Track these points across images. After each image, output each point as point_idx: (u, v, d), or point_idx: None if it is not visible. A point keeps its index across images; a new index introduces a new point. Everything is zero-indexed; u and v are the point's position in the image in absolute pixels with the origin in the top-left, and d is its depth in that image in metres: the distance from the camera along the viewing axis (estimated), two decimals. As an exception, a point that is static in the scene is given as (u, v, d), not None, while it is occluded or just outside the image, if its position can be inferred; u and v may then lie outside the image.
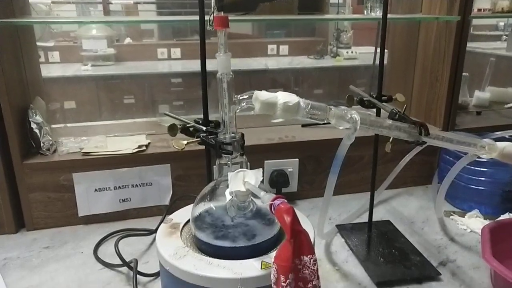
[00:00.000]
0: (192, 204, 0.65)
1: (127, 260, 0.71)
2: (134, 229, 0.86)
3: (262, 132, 1.04)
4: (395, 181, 0.96)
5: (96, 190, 0.88)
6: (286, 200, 0.40)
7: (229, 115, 0.54)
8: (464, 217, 0.90)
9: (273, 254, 0.52)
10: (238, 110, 0.54)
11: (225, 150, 0.55)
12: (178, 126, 0.63)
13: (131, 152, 0.88)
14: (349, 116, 0.55)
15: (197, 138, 0.59)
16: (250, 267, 0.49)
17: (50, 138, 0.88)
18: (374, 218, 0.87)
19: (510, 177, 0.89)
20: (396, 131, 0.60)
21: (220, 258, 0.51)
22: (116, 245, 0.73)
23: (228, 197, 0.54)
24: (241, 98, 0.53)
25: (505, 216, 0.86)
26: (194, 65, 2.81)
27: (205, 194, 0.58)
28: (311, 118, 0.55)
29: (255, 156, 0.94)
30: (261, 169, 0.45)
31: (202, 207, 0.57)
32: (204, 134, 0.59)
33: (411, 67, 1.15)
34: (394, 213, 0.94)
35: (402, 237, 0.83)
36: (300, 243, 0.37)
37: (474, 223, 0.87)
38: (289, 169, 0.97)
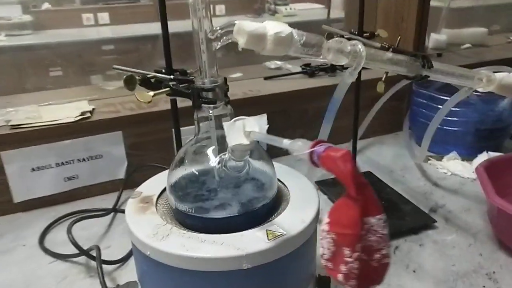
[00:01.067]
0: (161, 173, 0.54)
1: (85, 248, 0.59)
2: (87, 210, 0.73)
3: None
4: (365, 130, 0.90)
5: (33, 169, 0.73)
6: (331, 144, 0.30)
7: (207, 53, 0.43)
8: (441, 160, 0.87)
9: (277, 221, 0.43)
10: (218, 47, 0.43)
11: (205, 99, 0.44)
12: (137, 77, 0.51)
13: (73, 120, 0.74)
14: (350, 48, 0.46)
15: (165, 88, 0.47)
16: (255, 240, 0.40)
17: (-34, 111, 0.71)
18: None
19: (482, 115, 0.87)
20: (396, 65, 0.52)
21: (212, 233, 0.41)
22: (69, 231, 0.60)
23: (214, 157, 0.44)
24: (221, 31, 0.41)
25: (483, 156, 0.84)
26: (126, 30, 2.58)
27: (182, 157, 0.47)
28: (304, 54, 0.45)
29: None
30: (264, 115, 0.35)
31: (179, 173, 0.46)
32: (174, 83, 0.47)
33: (372, 8, 1.08)
34: (371, 164, 0.89)
35: (387, 187, 0.77)
36: (366, 200, 0.27)
37: (453, 166, 0.84)
38: (257, 127, 0.87)
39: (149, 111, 0.79)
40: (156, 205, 0.47)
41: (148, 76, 0.51)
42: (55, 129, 0.73)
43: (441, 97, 0.89)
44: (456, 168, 0.83)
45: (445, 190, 0.78)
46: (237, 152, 0.38)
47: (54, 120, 0.73)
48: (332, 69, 1.00)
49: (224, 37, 0.42)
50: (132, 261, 0.61)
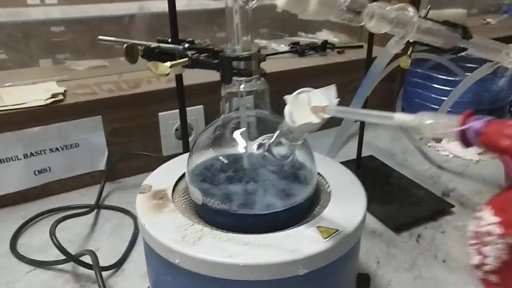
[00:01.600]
0: (170, 162, 0.45)
1: (74, 253, 0.50)
2: (65, 207, 0.63)
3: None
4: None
5: (-4, 162, 0.61)
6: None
7: (240, 15, 0.35)
8: (440, 142, 0.84)
9: (324, 216, 0.36)
10: (253, 6, 0.35)
11: (238, 70, 0.36)
12: (140, 48, 0.42)
13: (43, 104, 0.63)
14: (395, 15, 0.40)
15: (181, 58, 0.39)
16: (308, 240, 0.33)
17: None
18: (351, 155, 0.75)
19: (479, 96, 0.84)
20: (433, 36, 0.47)
21: (251, 232, 0.34)
22: (52, 234, 0.50)
23: (246, 141, 0.36)
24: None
25: (484, 136, 0.81)
26: (76, 11, 2.37)
27: (207, 142, 0.39)
28: (344, 19, 0.39)
29: (206, 97, 0.75)
30: (333, 87, 0.28)
31: (204, 161, 0.38)
32: (194, 52, 0.39)
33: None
34: (370, 147, 0.84)
35: (393, 171, 0.73)
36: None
37: (455, 148, 0.81)
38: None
39: (132, 93, 0.70)
40: (173, 201, 0.39)
41: (152, 46, 0.42)
42: (22, 114, 0.61)
43: (439, 76, 0.86)
44: (458, 150, 0.80)
45: (451, 173, 0.75)
46: (296, 133, 0.30)
47: (20, 104, 0.62)
48: (322, 48, 0.94)
49: (261, -5, 0.34)
50: (128, 265, 0.52)
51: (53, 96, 0.65)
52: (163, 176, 0.42)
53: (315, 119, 0.27)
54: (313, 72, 0.88)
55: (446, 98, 0.84)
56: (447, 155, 0.80)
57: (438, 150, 0.82)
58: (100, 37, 0.54)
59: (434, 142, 0.85)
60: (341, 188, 0.40)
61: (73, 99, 0.66)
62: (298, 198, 0.36)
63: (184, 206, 0.39)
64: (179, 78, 0.54)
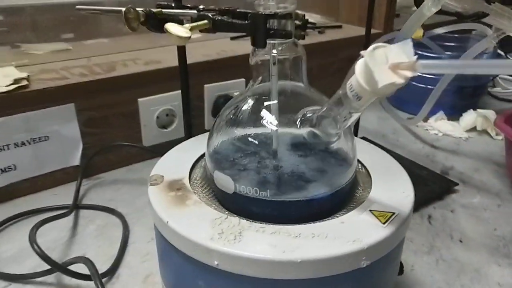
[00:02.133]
0: (176, 148, 0.39)
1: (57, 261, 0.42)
2: (37, 210, 0.55)
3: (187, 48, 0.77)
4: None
5: (-50, 161, 0.52)
6: None
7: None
8: (427, 121, 0.83)
9: (372, 198, 0.32)
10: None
11: (275, 31, 0.30)
12: (141, 12, 0.35)
13: (4, 90, 0.54)
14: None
15: (200, 19, 0.32)
16: (366, 226, 0.28)
17: None
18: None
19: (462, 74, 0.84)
20: None
21: (295, 222, 0.29)
22: (32, 241, 0.42)
23: (275, 117, 0.31)
24: None
25: (470, 114, 0.81)
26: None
27: (232, 118, 0.33)
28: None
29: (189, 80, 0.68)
30: (409, 41, 0.23)
31: (228, 142, 0.33)
32: (214, 14, 0.32)
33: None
34: (359, 129, 0.81)
35: (390, 152, 0.70)
36: None
37: (443, 126, 0.80)
38: (235, 93, 0.74)
39: (107, 77, 0.62)
40: (194, 192, 0.33)
41: (156, 10, 0.36)
42: (-21, 103, 0.52)
43: (422, 53, 0.84)
44: (446, 128, 0.79)
45: (445, 151, 0.73)
46: (364, 99, 0.25)
47: (-24, 91, 0.52)
48: (303, 28, 0.90)
49: None
50: (124, 271, 0.46)
51: (16, 81, 0.56)
52: (172, 165, 0.36)
53: (399, 79, 0.23)
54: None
55: (428, 76, 0.83)
56: (436, 134, 0.79)
57: (426, 130, 0.81)
58: (78, 6, 0.46)
59: (422, 121, 0.83)
60: (378, 168, 0.36)
61: (40, 85, 0.57)
62: (343, 180, 0.32)
63: (207, 197, 0.33)
64: (181, 52, 0.47)
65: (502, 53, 0.99)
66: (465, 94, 0.84)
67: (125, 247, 0.49)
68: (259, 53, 0.32)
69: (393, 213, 0.30)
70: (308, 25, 0.90)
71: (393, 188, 0.33)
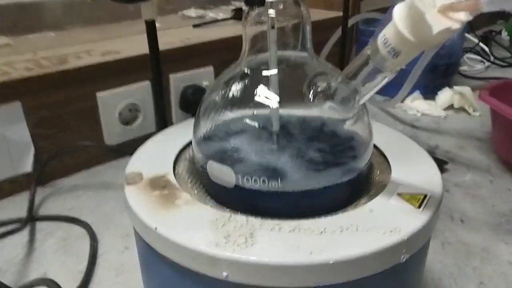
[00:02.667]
0: (151, 140, 0.33)
1: (12, 285, 0.35)
2: (-16, 228, 0.46)
3: (145, 38, 0.70)
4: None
5: None
6: None
7: None
8: (403, 102, 0.80)
9: (392, 181, 0.27)
10: None
11: None
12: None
13: None
14: None
15: None
16: (401, 213, 0.24)
17: None
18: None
19: (440, 49, 0.82)
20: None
21: (312, 215, 0.24)
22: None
23: (274, 92, 0.26)
24: None
25: (446, 92, 0.79)
26: None
27: (227, 99, 0.27)
28: None
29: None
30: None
31: (222, 127, 0.27)
32: None
33: None
34: (335, 115, 0.78)
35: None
36: None
37: (421, 106, 0.78)
38: (204, 83, 0.68)
39: (58, 70, 0.54)
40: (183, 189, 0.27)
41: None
42: None
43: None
44: (424, 107, 0.77)
45: (426, 131, 0.71)
46: (403, 56, 0.20)
47: None
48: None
49: None
50: (97, 290, 0.39)
51: None
52: (151, 159, 0.30)
53: (455, 24, 0.18)
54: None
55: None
56: (415, 114, 0.77)
57: (405, 110, 0.78)
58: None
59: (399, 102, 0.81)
60: (391, 147, 0.32)
61: (-23, 80, 0.48)
62: (362, 162, 0.27)
63: (199, 194, 0.27)
64: (150, 28, 0.40)
65: None
66: (439, 73, 0.82)
67: (95, 261, 0.42)
68: (253, 15, 0.26)
69: (425, 195, 0.25)
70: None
71: (415, 168, 0.29)
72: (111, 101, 0.58)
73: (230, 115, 0.26)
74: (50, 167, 0.54)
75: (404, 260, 0.22)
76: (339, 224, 0.23)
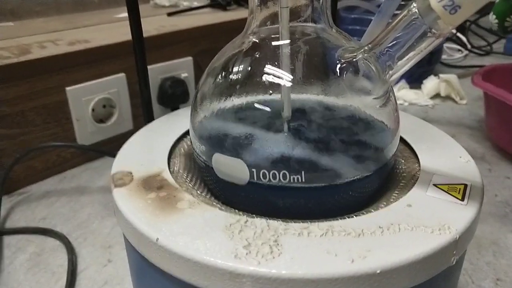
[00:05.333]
0: (136, 135, 0.28)
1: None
2: None
3: (116, 27, 0.65)
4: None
5: None
6: None
7: None
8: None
9: (424, 171, 0.24)
10: None
11: None
12: None
13: None
14: None
15: None
16: (444, 207, 0.20)
17: None
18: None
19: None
20: None
21: (340, 214, 0.20)
22: None
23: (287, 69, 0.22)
24: None
25: (432, 80, 0.77)
26: None
27: (231, 81, 0.23)
28: None
29: (127, 60, 0.56)
30: None
31: (228, 114, 0.23)
32: None
33: None
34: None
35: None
36: None
37: (407, 95, 0.76)
38: (183, 74, 0.63)
39: (20, 61, 0.48)
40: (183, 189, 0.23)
41: None
42: None
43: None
44: (411, 97, 0.75)
45: (415, 120, 0.69)
46: (461, 13, 0.17)
47: None
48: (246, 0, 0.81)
49: None
50: (77, 310, 0.34)
51: None
52: (140, 156, 0.25)
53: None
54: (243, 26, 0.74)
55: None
56: (402, 104, 0.75)
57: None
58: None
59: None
60: (413, 133, 0.28)
61: None
62: (391, 151, 0.23)
63: (202, 194, 0.23)
64: (132, 7, 0.35)
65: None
66: (423, 61, 0.80)
67: (74, 279, 0.36)
68: None
69: (466, 185, 0.22)
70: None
71: (444, 155, 0.25)
72: (82, 96, 0.53)
73: (236, 99, 0.22)
74: (16, 172, 0.48)
75: (454, 262, 0.19)
76: (377, 223, 0.19)
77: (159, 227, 0.19)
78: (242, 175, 0.21)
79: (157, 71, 0.60)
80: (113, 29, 0.63)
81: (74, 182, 0.51)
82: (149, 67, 0.58)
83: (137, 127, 0.58)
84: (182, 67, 0.63)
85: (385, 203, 0.21)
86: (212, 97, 0.23)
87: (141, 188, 0.22)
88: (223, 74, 0.23)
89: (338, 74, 0.21)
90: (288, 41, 0.22)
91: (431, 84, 0.76)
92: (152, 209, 0.20)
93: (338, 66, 0.21)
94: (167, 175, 0.23)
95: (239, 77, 0.22)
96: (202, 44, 0.65)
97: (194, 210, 0.20)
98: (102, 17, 0.72)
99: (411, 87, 0.78)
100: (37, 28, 0.64)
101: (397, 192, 0.23)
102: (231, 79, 0.23)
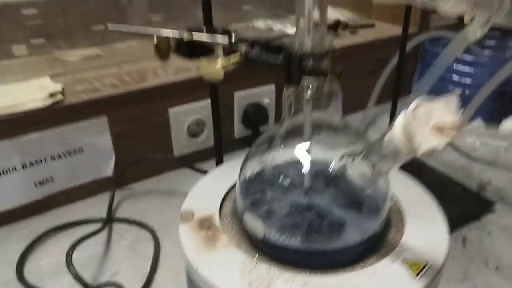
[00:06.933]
0: (206, 177, 0.39)
1: (92, 279, 0.43)
2: (74, 222, 0.56)
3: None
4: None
5: (-9, 174, 0.54)
6: None
7: None
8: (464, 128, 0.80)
9: (401, 244, 0.31)
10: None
11: (310, 70, 0.29)
12: (171, 39, 0.35)
13: (42, 105, 0.55)
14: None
15: (232, 52, 0.32)
16: (399, 280, 0.28)
17: None
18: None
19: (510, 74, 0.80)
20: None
21: (323, 268, 0.29)
22: (69, 265, 0.43)
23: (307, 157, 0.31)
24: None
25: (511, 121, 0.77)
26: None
27: (266, 156, 0.33)
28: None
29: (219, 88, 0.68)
30: (455, 97, 0.22)
31: (259, 181, 0.32)
32: (245, 47, 0.32)
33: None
34: (391, 137, 0.79)
35: (423, 164, 0.68)
36: None
37: (481, 133, 0.77)
38: (265, 101, 0.73)
39: (138, 88, 0.62)
40: (223, 230, 0.33)
41: (186, 38, 0.35)
42: (17, 119, 0.54)
43: (463, 58, 0.81)
44: (485, 135, 0.76)
45: (482, 162, 0.71)
46: (399, 159, 0.25)
47: (13, 106, 0.54)
48: (334, 28, 0.87)
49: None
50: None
51: (51, 95, 0.57)
52: (203, 197, 0.36)
53: (441, 142, 0.21)
54: (347, 52, 0.82)
55: (468, 80, 0.80)
56: (474, 142, 0.76)
57: (463, 136, 0.78)
58: (110, 24, 0.46)
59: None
60: (412, 204, 0.35)
61: (74, 98, 0.58)
62: (376, 223, 0.31)
63: (238, 234, 0.33)
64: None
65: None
66: (505, 99, 0.80)
67: (156, 266, 0.50)
68: (293, 87, 0.31)
69: (426, 264, 0.29)
70: (340, 26, 0.88)
71: (427, 232, 0.32)
72: (180, 117, 0.66)
73: (267, 172, 0.32)
74: (127, 172, 0.63)
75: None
76: (344, 283, 0.27)
77: (200, 260, 0.30)
78: (259, 232, 0.30)
79: (243, 97, 0.71)
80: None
81: (168, 185, 0.65)
82: (236, 93, 0.70)
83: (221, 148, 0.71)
84: (265, 93, 0.73)
85: (361, 265, 0.29)
86: (251, 168, 0.33)
87: (197, 226, 0.33)
88: (262, 153, 0.33)
89: (339, 167, 0.29)
90: (309, 142, 0.31)
91: (510, 125, 0.76)
92: (200, 245, 0.31)
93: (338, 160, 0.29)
94: (216, 218, 0.34)
95: (271, 156, 0.32)
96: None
97: (225, 250, 0.30)
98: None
99: (488, 126, 0.79)
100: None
101: (375, 258, 0.30)
102: (265, 157, 0.32)
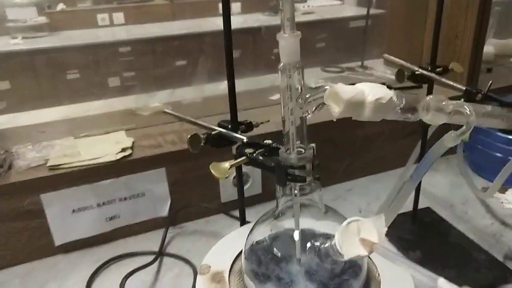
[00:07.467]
0: (226, 238, 0.48)
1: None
2: (132, 253, 0.69)
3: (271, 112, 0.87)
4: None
5: (74, 211, 0.68)
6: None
7: (295, 125, 0.37)
8: (505, 193, 0.81)
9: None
10: (309, 116, 0.37)
11: (293, 176, 0.38)
12: (201, 136, 0.46)
13: (114, 159, 0.69)
14: (451, 108, 0.40)
15: (240, 156, 0.42)
16: None
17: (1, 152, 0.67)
18: (406, 206, 0.74)
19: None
20: (494, 118, 0.46)
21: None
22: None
23: (298, 243, 0.38)
24: (314, 99, 0.36)
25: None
26: (141, 31, 2.56)
27: (262, 237, 0.41)
28: (399, 118, 0.40)
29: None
30: (382, 216, 0.30)
31: (256, 254, 0.41)
32: (252, 151, 0.42)
33: (419, 22, 1.01)
34: (428, 196, 0.82)
35: (452, 228, 0.71)
36: None
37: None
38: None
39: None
40: (229, 283, 0.42)
41: (213, 133, 0.46)
42: (96, 169, 0.68)
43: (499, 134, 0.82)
44: (521, 202, 0.77)
45: (514, 230, 0.72)
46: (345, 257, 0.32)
47: (94, 158, 0.68)
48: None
49: (316, 105, 0.36)
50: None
51: (123, 150, 0.71)
52: (220, 254, 0.46)
53: (363, 252, 0.29)
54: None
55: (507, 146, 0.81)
56: (511, 208, 0.77)
57: (502, 203, 0.79)
58: (166, 110, 0.59)
59: (498, 192, 0.81)
60: (391, 279, 0.41)
61: (141, 153, 0.71)
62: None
63: (239, 290, 0.42)
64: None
65: None
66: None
67: (193, 299, 0.59)
68: (285, 189, 0.40)
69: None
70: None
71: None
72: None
73: (265, 248, 0.40)
74: (178, 213, 0.75)
75: None
76: None
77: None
78: (253, 291, 0.39)
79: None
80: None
81: (214, 227, 0.75)
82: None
83: (264, 191, 0.80)
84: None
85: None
86: (251, 243, 0.41)
87: (210, 279, 0.42)
88: (258, 233, 0.41)
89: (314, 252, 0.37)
90: (298, 237, 0.39)
91: (550, 193, 0.76)
92: (209, 294, 0.40)
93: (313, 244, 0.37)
94: (226, 274, 0.42)
95: (267, 243, 0.40)
96: (322, 134, 0.82)
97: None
98: (259, 98, 0.95)
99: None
100: (212, 107, 0.91)
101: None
102: (262, 242, 0.41)
